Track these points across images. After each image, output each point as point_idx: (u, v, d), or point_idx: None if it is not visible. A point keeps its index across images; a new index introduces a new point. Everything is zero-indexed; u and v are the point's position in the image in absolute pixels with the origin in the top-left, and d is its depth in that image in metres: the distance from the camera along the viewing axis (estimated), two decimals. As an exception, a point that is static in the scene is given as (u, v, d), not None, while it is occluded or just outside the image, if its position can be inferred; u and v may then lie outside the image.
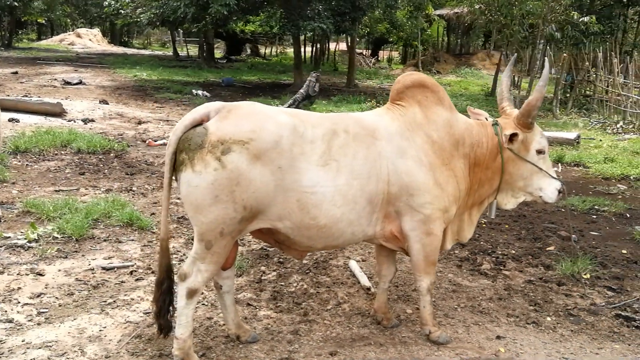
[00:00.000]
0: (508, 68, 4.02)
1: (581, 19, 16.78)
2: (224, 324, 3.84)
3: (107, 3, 21.34)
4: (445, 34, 35.55)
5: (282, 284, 4.60)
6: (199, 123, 3.10)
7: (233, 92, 18.79)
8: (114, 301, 4.11)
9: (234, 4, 15.59)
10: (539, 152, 3.66)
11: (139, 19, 18.87)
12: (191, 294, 3.19)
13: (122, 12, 21.33)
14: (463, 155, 3.58)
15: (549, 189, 3.70)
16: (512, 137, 3.58)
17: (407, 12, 24.32)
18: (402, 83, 3.64)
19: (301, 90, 14.85)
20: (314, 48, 31.67)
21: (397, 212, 3.43)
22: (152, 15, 17.47)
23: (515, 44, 17.50)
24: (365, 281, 4.62)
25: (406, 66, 31.52)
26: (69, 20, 44.90)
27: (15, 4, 31.39)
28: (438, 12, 28.15)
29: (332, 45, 34.94)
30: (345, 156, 3.24)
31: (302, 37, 25.00)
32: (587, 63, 16.54)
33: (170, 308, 3.30)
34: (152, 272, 4.64)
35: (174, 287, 3.33)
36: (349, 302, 4.32)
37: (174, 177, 3.15)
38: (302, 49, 26.56)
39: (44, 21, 41.55)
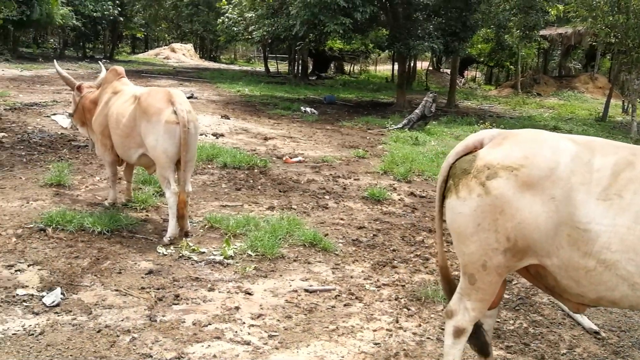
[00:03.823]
0: None
1: None
2: (463, 363, 3.63)
3: (220, 20, 22.08)
4: (540, 55, 34.43)
5: (498, 320, 4.34)
6: (472, 150, 2.98)
7: (337, 109, 18.82)
8: (336, 327, 3.99)
9: (350, 23, 15.63)
10: None
11: (250, 37, 19.40)
12: (458, 333, 3.02)
13: (235, 29, 22.01)
14: None
15: None
16: None
17: (517, 32, 23.66)
18: None
19: (417, 111, 14.63)
20: (406, 67, 31.41)
21: None
22: (265, 33, 17.82)
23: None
24: (589, 324, 4.28)
25: (502, 87, 30.74)
26: (167, 35, 46.97)
27: (121, 18, 33.19)
28: (541, 32, 27.29)
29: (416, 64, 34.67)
30: (635, 194, 2.73)
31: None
32: None
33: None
34: (357, 298, 4.51)
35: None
36: (580, 346, 4.01)
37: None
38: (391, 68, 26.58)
39: (142, 36, 43.75)
